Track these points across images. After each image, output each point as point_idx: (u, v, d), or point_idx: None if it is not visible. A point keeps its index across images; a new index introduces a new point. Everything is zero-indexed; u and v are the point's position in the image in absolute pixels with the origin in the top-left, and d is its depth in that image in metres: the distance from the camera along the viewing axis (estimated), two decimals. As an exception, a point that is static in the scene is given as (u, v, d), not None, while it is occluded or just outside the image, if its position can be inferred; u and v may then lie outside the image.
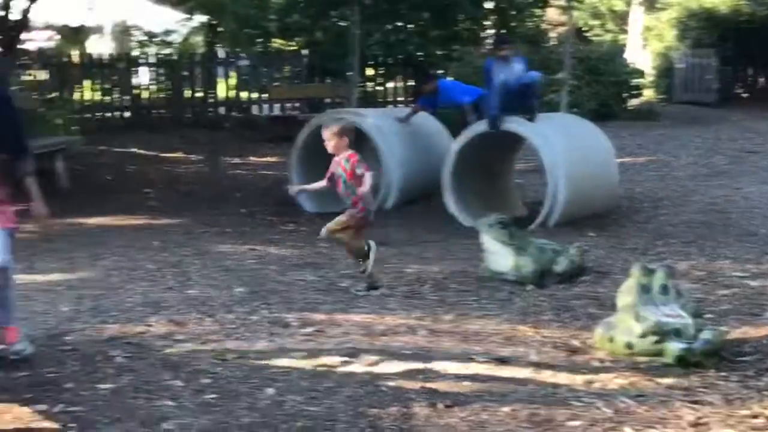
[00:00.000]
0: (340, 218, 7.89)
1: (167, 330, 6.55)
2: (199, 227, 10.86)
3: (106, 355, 5.94)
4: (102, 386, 5.37)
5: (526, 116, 10.78)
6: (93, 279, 8.16)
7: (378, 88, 22.30)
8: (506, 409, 5.08)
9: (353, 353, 6.02)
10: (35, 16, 18.19)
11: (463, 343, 6.32)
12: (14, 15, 16.97)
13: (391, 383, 5.46)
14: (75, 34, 24.92)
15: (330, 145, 7.78)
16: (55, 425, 4.83)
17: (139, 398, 5.20)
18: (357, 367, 5.76)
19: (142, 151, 16.77)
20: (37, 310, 6.92)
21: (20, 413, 4.97)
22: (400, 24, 22.19)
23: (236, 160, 16.61)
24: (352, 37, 16.23)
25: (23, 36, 18.60)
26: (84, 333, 6.43)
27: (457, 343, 6.31)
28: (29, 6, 16.52)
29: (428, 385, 5.43)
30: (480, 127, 11.01)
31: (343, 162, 7.76)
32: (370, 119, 12.20)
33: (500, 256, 8.16)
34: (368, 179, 7.67)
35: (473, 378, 5.60)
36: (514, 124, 10.86)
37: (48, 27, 23.97)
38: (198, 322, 6.79)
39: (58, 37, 25.48)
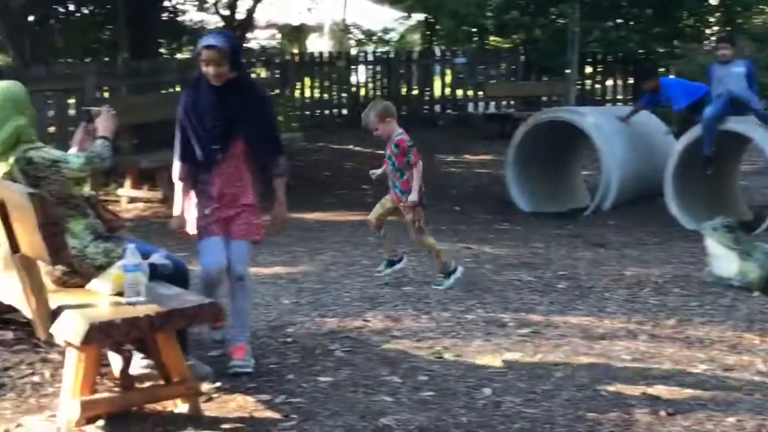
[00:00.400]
0: (382, 202, 7.96)
1: (384, 326, 6.60)
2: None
3: (326, 348, 6.02)
4: (322, 379, 5.45)
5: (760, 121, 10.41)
6: (312, 273, 8.33)
7: (596, 86, 21.96)
8: (732, 419, 4.88)
9: (571, 356, 5.92)
10: (259, 16, 18.78)
11: (685, 349, 6.13)
12: (240, 14, 17.61)
13: (611, 388, 5.34)
14: (295, 33, 25.57)
15: (379, 134, 7.69)
16: (276, 415, 4.92)
17: (357, 392, 5.24)
18: (575, 370, 5.66)
19: (358, 148, 17.02)
20: (260, 302, 7.09)
21: (243, 402, 5.09)
22: (620, 21, 21.80)
23: (451, 158, 16.67)
24: (571, 34, 16.10)
25: (248, 35, 19.26)
26: (304, 326, 6.55)
27: (680, 350, 6.12)
28: (254, 6, 17.08)
29: (650, 391, 5.28)
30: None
31: (392, 146, 7.66)
32: (590, 118, 12.00)
33: (725, 260, 7.89)
34: (416, 175, 7.78)
35: (696, 386, 5.41)
36: (740, 124, 10.49)
37: (270, 26, 24.70)
38: (414, 318, 6.82)
39: (279, 35, 26.22)
